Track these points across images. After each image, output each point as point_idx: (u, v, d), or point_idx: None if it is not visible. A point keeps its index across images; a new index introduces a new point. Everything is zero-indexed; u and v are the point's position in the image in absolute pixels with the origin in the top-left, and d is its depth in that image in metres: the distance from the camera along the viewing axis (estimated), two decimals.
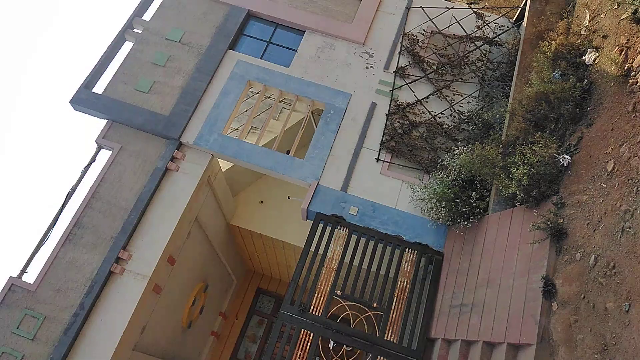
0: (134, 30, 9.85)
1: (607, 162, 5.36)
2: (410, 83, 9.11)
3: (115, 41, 9.61)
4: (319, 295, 7.31)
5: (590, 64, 6.53)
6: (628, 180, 4.89)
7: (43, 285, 7.38)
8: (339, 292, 7.33)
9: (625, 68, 5.65)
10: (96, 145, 8.75)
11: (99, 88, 9.12)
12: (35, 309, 7.23)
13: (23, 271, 7.71)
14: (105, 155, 8.68)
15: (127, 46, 9.68)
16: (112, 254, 7.57)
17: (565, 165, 6.02)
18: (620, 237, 4.67)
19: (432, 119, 8.75)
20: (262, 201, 11.46)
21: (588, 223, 5.27)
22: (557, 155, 6.06)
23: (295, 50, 9.52)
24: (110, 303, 7.33)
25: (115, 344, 7.03)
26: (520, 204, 6.40)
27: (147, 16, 9.98)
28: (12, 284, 7.38)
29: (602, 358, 4.27)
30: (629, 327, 4.08)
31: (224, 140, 8.58)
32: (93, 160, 8.73)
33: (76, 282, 7.44)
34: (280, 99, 9.50)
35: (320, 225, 7.83)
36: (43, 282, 7.39)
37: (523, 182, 6.07)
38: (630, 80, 5.51)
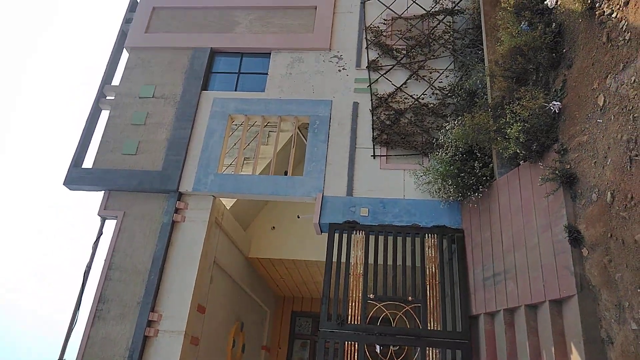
0: (107, 97, 9.93)
1: (597, 97, 5.32)
2: (385, 74, 9.12)
3: (91, 113, 9.69)
4: (353, 303, 7.24)
5: (554, 7, 6.52)
6: (622, 109, 4.85)
7: None
8: (371, 296, 7.27)
9: (589, 1, 5.63)
10: (100, 217, 8.78)
11: (88, 162, 9.18)
12: None
13: (61, 358, 7.69)
14: (111, 224, 8.71)
15: (105, 114, 9.76)
16: (143, 319, 7.54)
17: (557, 111, 5.98)
18: (630, 167, 4.61)
19: (416, 102, 8.74)
20: (273, 227, 11.43)
21: (595, 162, 5.22)
22: (546, 104, 6.02)
23: (267, 74, 9.56)
24: None
25: None
26: (524, 161, 6.35)
27: (116, 81, 10.07)
28: None
29: None
30: None
31: (221, 178, 8.59)
32: (101, 233, 8.76)
33: (114, 355, 7.41)
34: (265, 124, 9.52)
35: (336, 235, 7.79)
36: None
37: (520, 140, 6.03)
38: (597, 12, 5.49)
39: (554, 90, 6.23)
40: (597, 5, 5.50)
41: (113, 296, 7.86)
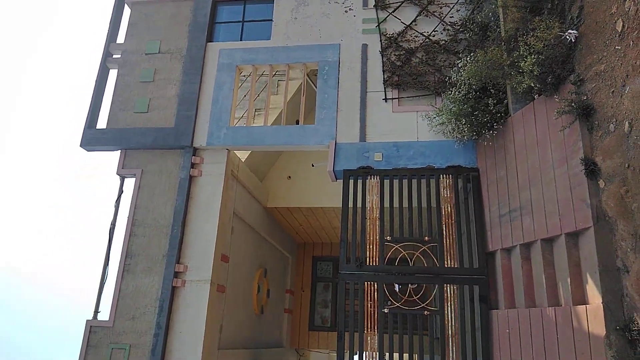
0: (114, 56, 9.85)
1: (615, 22, 5.09)
2: (393, 12, 8.79)
3: (100, 73, 9.65)
4: (371, 246, 7.40)
5: None
6: None
7: (118, 318, 7.77)
8: (388, 238, 7.41)
9: None
10: (119, 177, 8.96)
11: (102, 123, 9.26)
12: (119, 341, 7.65)
13: (96, 312, 8.13)
14: (130, 182, 8.89)
15: (113, 74, 9.72)
16: (169, 271, 7.85)
17: (573, 40, 5.75)
18: None
19: (427, 39, 8.47)
20: (289, 176, 11.54)
21: (613, 91, 5.07)
22: (562, 33, 5.79)
23: (271, 20, 9.31)
24: (183, 315, 7.67)
25: (200, 351, 7.38)
26: (539, 95, 6.20)
27: (121, 39, 9.93)
28: (91, 326, 7.81)
29: None
30: None
31: (234, 131, 8.61)
32: (121, 191, 8.96)
33: (146, 306, 7.79)
34: (273, 73, 9.39)
35: (351, 181, 7.85)
36: (117, 316, 7.79)
37: (535, 72, 5.86)
38: None
39: (570, 18, 5.97)
40: None
41: (139, 251, 8.16)
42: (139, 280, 7.98)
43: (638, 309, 4.49)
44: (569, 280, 5.31)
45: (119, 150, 8.96)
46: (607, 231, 4.97)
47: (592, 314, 4.84)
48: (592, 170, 5.19)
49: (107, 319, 7.87)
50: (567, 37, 5.73)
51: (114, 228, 8.75)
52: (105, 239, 8.73)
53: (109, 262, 8.54)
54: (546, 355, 5.44)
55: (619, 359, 4.50)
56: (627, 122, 4.77)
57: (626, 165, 4.74)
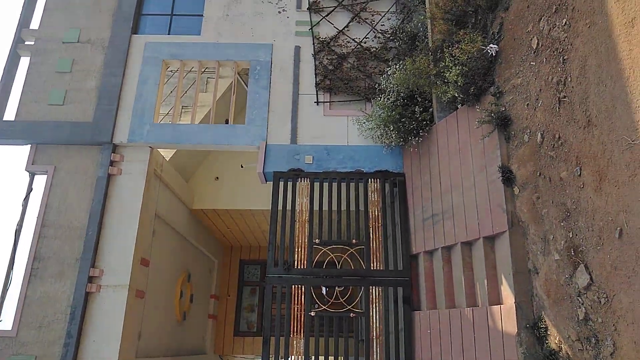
0: (26, 43, 9.06)
1: (531, 39, 5.44)
2: (326, 16, 8.86)
3: (9, 61, 8.83)
4: (299, 249, 7.36)
5: None
6: (553, 52, 4.99)
7: (22, 327, 7.11)
8: (317, 241, 7.41)
9: None
10: (28, 173, 8.23)
11: (10, 114, 8.47)
12: (23, 352, 7.00)
13: None
14: (41, 180, 8.19)
15: (25, 62, 8.93)
16: (83, 275, 7.32)
17: (493, 54, 6.09)
18: (558, 108, 4.82)
19: (358, 45, 8.62)
20: (217, 177, 11.24)
21: (528, 104, 5.41)
22: (484, 47, 6.10)
23: (202, 15, 9.03)
24: (97, 323, 7.17)
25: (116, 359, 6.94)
26: (462, 105, 6.49)
27: (35, 25, 9.16)
28: None
29: (567, 224, 4.51)
30: (585, 189, 4.28)
31: (158, 128, 8.22)
32: (30, 189, 8.24)
33: (55, 313, 7.20)
34: (202, 70, 9.10)
35: (281, 183, 7.78)
36: (21, 324, 7.12)
37: (459, 83, 6.13)
38: None
39: (491, 32, 6.31)
40: None
41: (49, 254, 7.53)
42: (48, 285, 7.36)
43: (546, 308, 4.80)
44: (485, 281, 5.58)
45: (29, 145, 8.24)
46: (520, 235, 5.29)
47: (506, 313, 5.12)
48: (508, 177, 5.50)
49: (9, 328, 7.17)
50: (489, 50, 6.05)
51: (20, 229, 8.01)
52: (9, 241, 7.98)
53: (14, 265, 7.81)
54: (464, 354, 5.67)
55: (528, 355, 4.78)
56: (539, 133, 5.10)
57: (538, 174, 5.07)
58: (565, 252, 4.54)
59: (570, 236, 4.47)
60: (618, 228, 3.84)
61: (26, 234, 7.96)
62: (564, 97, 4.72)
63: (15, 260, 7.84)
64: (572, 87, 4.59)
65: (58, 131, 8.11)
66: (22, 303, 7.26)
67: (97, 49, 8.76)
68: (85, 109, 8.36)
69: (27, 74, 8.65)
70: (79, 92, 8.48)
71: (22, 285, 7.38)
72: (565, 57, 4.75)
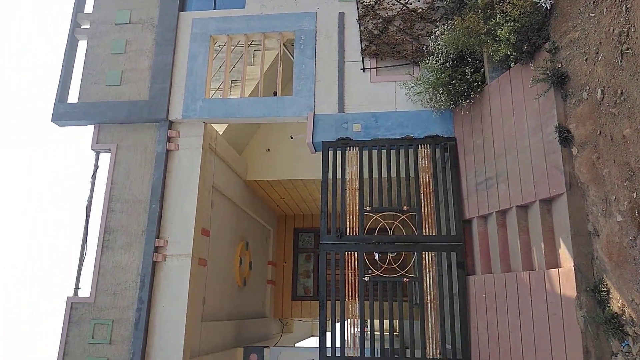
0: (82, 27, 9.48)
1: None
2: None
3: (68, 45, 9.29)
4: (351, 216, 7.47)
5: None
6: (614, 1, 4.66)
7: (99, 294, 7.74)
8: (368, 208, 7.48)
9: None
10: (93, 152, 8.77)
11: (73, 97, 8.98)
12: (101, 316, 7.64)
13: (76, 288, 8.08)
14: (106, 158, 8.71)
15: (82, 45, 9.38)
16: (149, 246, 7.81)
17: (548, 7, 5.76)
18: (621, 62, 4.53)
19: (404, 7, 8.37)
20: (268, 149, 11.47)
21: (586, 58, 5.12)
22: (537, 1, 5.78)
23: None
24: (165, 289, 7.68)
25: (184, 323, 7.43)
26: (515, 63, 6.22)
27: (89, 8, 9.54)
28: (72, 303, 7.76)
29: (630, 184, 4.31)
30: None
31: (210, 103, 8.46)
32: (97, 167, 8.78)
33: (127, 281, 7.77)
34: (249, 43, 9.19)
35: (330, 153, 7.84)
36: (98, 292, 7.75)
37: (511, 40, 5.87)
38: None
39: None
40: None
41: (117, 226, 8.08)
42: (118, 256, 7.93)
43: (607, 271, 4.67)
44: (542, 245, 5.47)
45: (92, 125, 8.74)
46: (579, 197, 5.11)
47: (564, 276, 5.02)
48: (565, 137, 5.28)
49: (88, 295, 7.83)
50: (543, 4, 5.73)
51: (90, 204, 8.61)
52: (82, 216, 8.61)
53: (87, 238, 8.45)
54: (520, 317, 5.64)
55: (589, 319, 4.70)
56: (599, 90, 4.84)
57: (598, 132, 4.84)
58: (628, 213, 4.36)
59: (635, 197, 4.28)
60: None
61: (96, 208, 8.56)
62: (627, 49, 4.43)
63: (88, 234, 8.47)
64: (636, 38, 4.30)
65: (117, 111, 8.53)
66: (97, 272, 7.88)
67: (147, 29, 9.03)
68: (140, 88, 8.71)
69: (85, 57, 9.08)
70: (134, 72, 8.82)
71: (95, 256, 7.99)
72: (628, 6, 4.43)
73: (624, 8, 4.49)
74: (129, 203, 8.18)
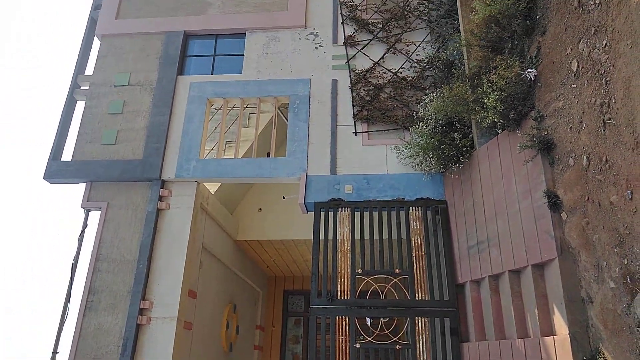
0: (81, 88, 9.73)
1: (571, 62, 5.37)
2: (362, 49, 9.06)
3: (66, 105, 9.50)
4: (342, 279, 7.35)
5: None
6: (594, 74, 4.91)
7: (78, 359, 7.39)
8: (360, 270, 7.38)
9: None
10: (83, 210, 8.70)
11: (67, 155, 9.05)
12: None
13: (54, 352, 7.73)
14: (95, 216, 8.65)
15: (80, 105, 9.58)
16: (134, 308, 7.58)
17: (532, 78, 6.03)
18: (604, 130, 4.70)
19: (394, 76, 8.73)
20: (260, 209, 11.46)
21: (571, 127, 5.30)
22: (522, 72, 6.06)
23: (243, 55, 9.43)
24: (148, 354, 7.36)
25: None
26: (503, 130, 6.42)
27: (89, 70, 9.85)
28: None
29: (621, 250, 4.33)
30: (637, 213, 4.12)
31: (204, 164, 8.54)
32: (85, 225, 8.70)
33: (109, 345, 7.45)
34: (244, 106, 9.44)
35: (322, 213, 7.85)
36: (77, 356, 7.41)
37: (498, 108, 6.09)
38: None
39: (529, 57, 6.27)
40: None
41: (103, 287, 7.87)
42: (101, 318, 7.66)
43: (603, 340, 4.57)
44: (536, 311, 5.38)
45: (84, 183, 8.73)
46: (570, 262, 5.10)
47: (560, 345, 4.90)
48: (554, 202, 5.35)
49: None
50: (527, 75, 6.00)
51: (77, 263, 8.43)
52: (66, 275, 8.39)
53: (70, 298, 8.19)
54: None
55: None
56: (585, 157, 4.97)
57: (586, 198, 4.92)
58: (621, 279, 4.34)
59: (625, 263, 4.28)
60: None
61: (81, 268, 8.37)
62: (609, 119, 4.60)
63: (71, 294, 8.22)
64: (617, 108, 4.48)
65: (111, 169, 8.57)
66: (78, 335, 7.57)
67: (145, 91, 9.28)
68: (135, 148, 8.81)
69: (82, 116, 9.25)
70: (129, 132, 8.96)
71: (77, 318, 7.71)
72: (607, 79, 4.65)
73: (604, 81, 4.72)
74: (116, 262, 8.02)
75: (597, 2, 4.87)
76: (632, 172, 4.24)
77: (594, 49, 4.94)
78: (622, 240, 4.33)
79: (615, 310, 4.40)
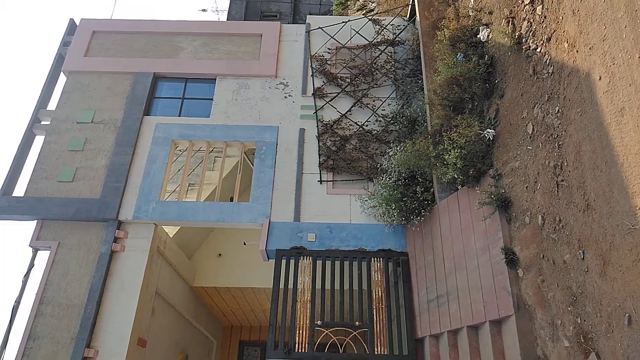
0: (42, 122, 9.48)
1: (527, 125, 5.66)
2: (330, 101, 9.29)
3: (24, 139, 9.20)
4: (301, 330, 7.16)
5: (486, 41, 6.93)
6: (548, 137, 5.18)
7: None
8: (319, 322, 7.22)
9: (517, 36, 6.04)
10: (31, 249, 8.25)
11: (20, 190, 8.67)
12: None
13: None
14: (44, 256, 8.19)
15: (39, 140, 9.29)
16: (77, 356, 7.08)
17: (491, 138, 6.30)
18: (557, 191, 4.91)
19: (360, 128, 8.95)
20: (220, 254, 11.19)
21: (527, 186, 5.52)
22: (481, 132, 6.34)
23: (212, 99, 9.49)
24: None
25: None
26: (462, 186, 6.61)
27: (52, 106, 9.64)
28: None
29: (574, 309, 4.42)
30: (589, 273, 4.25)
31: (163, 206, 8.34)
32: (32, 265, 8.22)
33: None
34: (210, 150, 9.40)
35: (283, 261, 7.73)
36: None
37: (458, 165, 6.29)
38: (523, 47, 5.90)
39: (488, 118, 6.58)
40: (523, 40, 5.91)
41: (44, 333, 7.35)
42: None
43: None
44: None
45: (35, 221, 8.33)
46: (527, 319, 5.16)
47: None
48: (511, 259, 5.47)
49: None
50: (486, 135, 6.28)
51: (18, 305, 7.88)
52: (5, 318, 7.82)
53: (7, 344, 7.58)
54: None
55: None
56: (540, 216, 5.15)
57: (541, 256, 5.06)
58: (574, 338, 4.41)
59: (579, 322, 4.37)
60: (627, 314, 3.77)
61: (23, 311, 7.83)
62: (562, 180, 4.83)
63: (9, 339, 7.62)
64: (569, 171, 4.72)
65: (65, 207, 8.24)
66: None
67: (109, 129, 9.12)
68: (93, 186, 8.54)
69: (40, 151, 8.95)
70: (88, 170, 8.71)
71: None
72: (560, 143, 4.92)
73: (556, 144, 4.98)
74: (61, 307, 7.55)
75: (550, 71, 5.22)
76: (583, 233, 4.41)
77: (547, 114, 5.24)
78: (575, 299, 4.44)
79: None
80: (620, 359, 3.82)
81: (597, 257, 4.17)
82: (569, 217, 4.65)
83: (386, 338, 7.09)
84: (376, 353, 6.95)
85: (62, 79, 9.93)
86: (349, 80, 9.49)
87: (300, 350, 7.00)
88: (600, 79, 4.30)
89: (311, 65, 9.74)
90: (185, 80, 9.85)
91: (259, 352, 13.43)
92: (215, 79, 9.69)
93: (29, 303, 7.68)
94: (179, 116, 9.41)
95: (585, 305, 4.28)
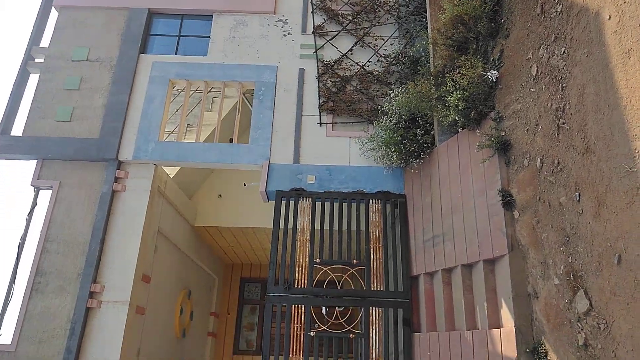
0: (36, 60, 9.26)
1: (531, 66, 5.56)
2: (330, 40, 9.05)
3: (19, 77, 9.02)
4: (300, 268, 7.39)
5: None
6: (552, 79, 5.11)
7: (22, 342, 7.12)
8: (318, 260, 7.44)
9: None
10: (33, 188, 8.33)
11: (18, 130, 8.62)
12: None
13: None
14: (46, 195, 8.29)
15: (34, 79, 9.12)
16: (84, 291, 7.35)
17: (494, 80, 6.21)
18: (557, 134, 4.90)
19: (361, 69, 8.78)
20: (220, 195, 11.32)
21: (527, 129, 5.50)
22: (484, 73, 6.23)
23: (209, 37, 9.23)
24: (96, 338, 7.17)
25: None
26: (463, 129, 6.59)
27: (45, 43, 9.38)
28: None
29: (566, 249, 4.56)
30: (584, 215, 4.34)
31: (163, 146, 8.33)
32: (35, 204, 8.33)
33: (55, 328, 7.21)
34: (208, 90, 9.26)
35: (283, 202, 7.84)
36: (21, 339, 7.13)
37: (460, 107, 6.24)
38: None
39: (492, 59, 6.45)
40: None
41: (51, 269, 7.58)
42: (49, 300, 7.38)
43: (545, 333, 4.82)
44: (485, 305, 5.60)
45: (35, 160, 8.35)
46: (520, 259, 5.33)
47: (506, 337, 5.12)
48: (508, 201, 5.56)
49: (9, 342, 7.17)
50: (489, 76, 6.18)
51: (24, 243, 8.07)
52: (12, 255, 8.03)
53: (16, 280, 7.84)
54: None
55: None
56: (539, 158, 5.18)
57: (537, 198, 5.14)
58: (564, 276, 4.57)
59: (570, 261, 4.51)
60: (617, 254, 3.89)
61: (29, 248, 8.03)
62: (563, 123, 4.81)
63: (17, 275, 7.87)
64: (571, 114, 4.69)
65: (64, 147, 8.23)
66: (23, 317, 7.28)
67: (105, 68, 8.93)
68: (91, 126, 8.48)
69: (35, 90, 8.81)
70: (86, 110, 8.62)
71: (23, 300, 7.41)
72: (563, 85, 4.85)
73: (560, 86, 4.92)
74: (66, 244, 7.74)
75: (559, 10, 5.05)
76: (580, 175, 4.45)
77: (553, 55, 5.13)
78: (568, 239, 4.56)
79: (558, 306, 4.64)
80: (607, 295, 3.99)
81: (593, 199, 4.24)
82: (567, 160, 4.68)
83: (382, 275, 7.34)
84: (372, 289, 7.22)
85: (54, 14, 9.59)
86: (350, 17, 9.20)
87: (299, 287, 7.27)
88: (609, 18, 4.18)
89: (311, 1, 9.39)
90: (181, 17, 9.53)
91: (259, 288, 13.93)
92: (212, 16, 9.37)
93: (35, 241, 7.86)
94: (176, 54, 9.18)
95: (577, 246, 4.40)
